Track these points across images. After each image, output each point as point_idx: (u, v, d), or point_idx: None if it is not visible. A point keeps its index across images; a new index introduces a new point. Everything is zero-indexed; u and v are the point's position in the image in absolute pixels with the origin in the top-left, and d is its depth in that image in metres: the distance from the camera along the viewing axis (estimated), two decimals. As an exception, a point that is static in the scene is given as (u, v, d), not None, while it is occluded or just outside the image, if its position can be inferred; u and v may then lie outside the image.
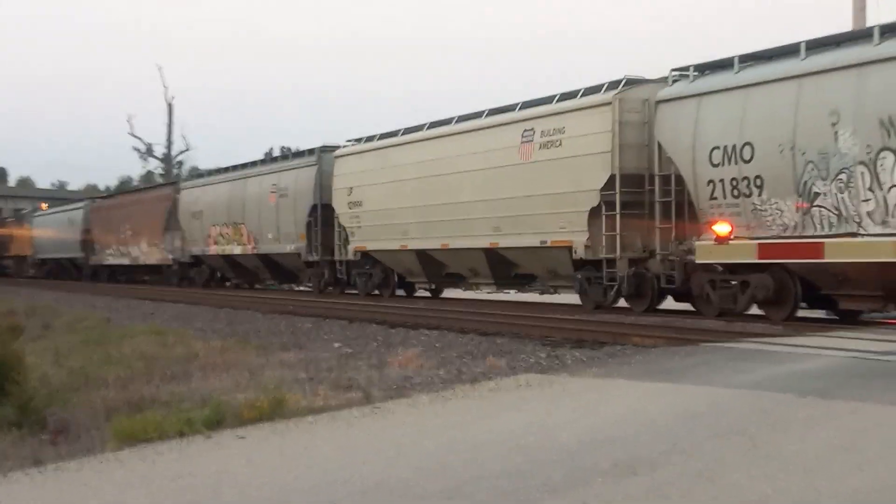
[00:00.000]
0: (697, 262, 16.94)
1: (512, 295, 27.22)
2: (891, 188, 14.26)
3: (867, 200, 14.61)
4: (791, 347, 11.04)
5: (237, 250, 34.24)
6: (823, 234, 15.07)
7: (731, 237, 16.43)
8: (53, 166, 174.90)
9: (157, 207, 41.43)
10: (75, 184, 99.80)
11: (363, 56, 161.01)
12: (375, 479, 5.16)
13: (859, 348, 10.82)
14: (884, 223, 14.37)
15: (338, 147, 29.19)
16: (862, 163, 14.62)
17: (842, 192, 14.93)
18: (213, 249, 35.91)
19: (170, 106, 73.96)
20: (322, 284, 29.73)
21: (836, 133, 14.94)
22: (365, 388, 9.13)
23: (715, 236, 16.61)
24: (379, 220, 25.93)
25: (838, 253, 14.75)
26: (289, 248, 30.53)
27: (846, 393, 7.52)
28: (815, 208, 15.34)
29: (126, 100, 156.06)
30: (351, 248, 27.38)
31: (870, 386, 7.95)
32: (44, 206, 60.47)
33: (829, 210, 15.19)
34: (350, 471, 5.36)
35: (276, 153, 33.04)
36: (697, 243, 16.88)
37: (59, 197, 73.42)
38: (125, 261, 45.15)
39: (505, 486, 4.93)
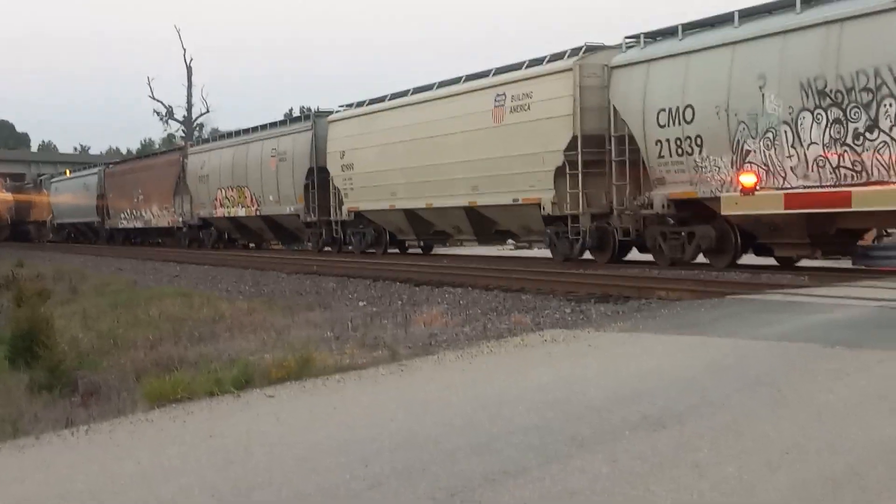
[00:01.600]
0: (723, 213, 17.05)
1: (494, 250, 30.47)
2: (810, 145, 15.74)
3: (790, 157, 16.11)
4: (817, 298, 10.99)
5: (242, 212, 36.07)
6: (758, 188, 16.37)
7: (758, 188, 16.39)
8: (76, 130, 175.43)
9: (167, 172, 43.16)
10: (97, 148, 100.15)
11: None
12: (404, 435, 5.19)
13: (886, 297, 10.76)
14: (805, 177, 15.86)
15: (332, 112, 30.85)
16: (785, 122, 16.09)
17: (769, 149, 16.42)
18: (220, 212, 37.77)
19: (189, 68, 74.13)
20: (320, 244, 31.59)
21: (763, 95, 16.39)
22: (391, 347, 9.18)
23: (741, 187, 16.57)
24: (369, 181, 27.65)
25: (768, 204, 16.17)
26: (289, 209, 32.37)
27: (874, 342, 7.48)
28: (747, 164, 16.80)
29: (147, 62, 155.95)
30: (345, 208, 29.28)
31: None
32: (68, 171, 60.97)
33: (758, 165, 16.66)
34: (378, 428, 5.39)
35: (297, 113, 34.13)
36: (723, 195, 16.93)
37: (80, 161, 73.72)
38: (138, 224, 47.12)
39: (533, 440, 4.94)
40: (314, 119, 31.32)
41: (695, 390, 5.97)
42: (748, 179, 16.51)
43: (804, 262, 18.90)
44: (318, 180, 30.46)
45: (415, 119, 25.63)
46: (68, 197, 56.58)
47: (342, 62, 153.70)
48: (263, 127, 35.42)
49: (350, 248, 30.31)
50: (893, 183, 14.46)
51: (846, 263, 18.65)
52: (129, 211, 47.76)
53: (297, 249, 36.18)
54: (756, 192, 16.43)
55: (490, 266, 21.58)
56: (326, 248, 31.58)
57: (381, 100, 28.08)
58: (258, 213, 34.62)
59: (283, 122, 34.71)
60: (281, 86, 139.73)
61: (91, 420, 6.33)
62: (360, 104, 29.20)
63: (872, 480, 4.09)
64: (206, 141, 45.64)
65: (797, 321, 8.98)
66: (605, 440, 4.90)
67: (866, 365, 6.60)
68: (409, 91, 26.80)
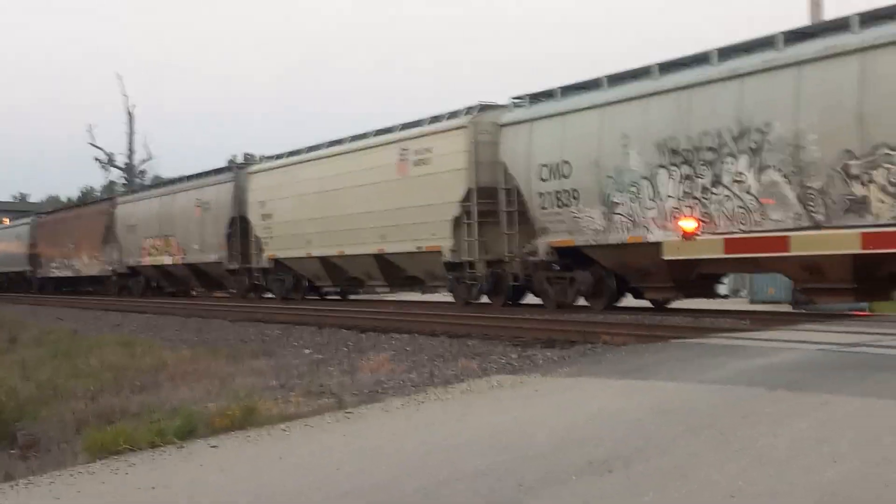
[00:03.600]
0: (665, 258, 17.40)
1: (406, 295, 32.23)
2: (667, 198, 17.41)
3: (650, 209, 17.79)
4: (760, 342, 11.13)
5: (168, 261, 37.13)
6: (625, 237, 18.30)
7: (699, 233, 16.70)
8: (14, 179, 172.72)
9: (96, 221, 44.25)
10: (37, 196, 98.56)
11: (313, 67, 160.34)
12: (351, 483, 5.15)
13: (827, 340, 10.92)
14: (663, 228, 17.48)
15: (254, 163, 32.83)
16: (645, 177, 17.80)
17: (633, 202, 18.10)
18: (147, 260, 38.93)
19: (130, 115, 73.58)
20: (243, 290, 32.77)
21: (627, 153, 18.13)
22: (337, 394, 9.13)
23: (682, 232, 16.90)
24: (287, 230, 29.14)
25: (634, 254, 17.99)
26: (212, 257, 33.69)
27: (816, 385, 7.58)
28: (615, 215, 18.52)
29: (87, 111, 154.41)
30: (265, 256, 30.70)
31: (839, 378, 8.02)
32: (6, 220, 60.64)
33: (624, 217, 18.32)
34: (325, 476, 5.35)
35: (241, 160, 34.56)
36: (665, 241, 17.26)
37: (19, 209, 72.89)
38: (69, 273, 47.97)
39: (481, 486, 4.94)
40: (236, 170, 32.88)
41: (640, 434, 6.01)
42: (689, 225, 16.82)
43: (744, 307, 19.17)
44: (240, 229, 31.80)
45: (327, 171, 27.17)
46: (1, 246, 56.54)
47: (282, 105, 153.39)
48: (189, 178, 36.88)
49: (271, 294, 31.59)
50: (826, 228, 14.87)
51: (786, 308, 18.97)
52: (59, 260, 48.57)
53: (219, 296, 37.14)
54: (696, 238, 16.74)
55: (435, 312, 21.65)
56: (250, 295, 32.75)
57: (297, 152, 29.77)
58: (183, 261, 35.76)
59: (206, 173, 35.78)
60: (228, 129, 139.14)
61: (30, 473, 6.20)
62: (278, 157, 30.97)
63: (815, 522, 4.14)
64: (136, 191, 47.36)
65: (740, 365, 9.08)
66: (552, 484, 4.91)
67: (808, 409, 6.69)
68: (322, 145, 28.46)
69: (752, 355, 9.77)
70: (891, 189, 14.24)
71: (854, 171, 14.64)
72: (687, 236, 16.85)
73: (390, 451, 6.03)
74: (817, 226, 15.20)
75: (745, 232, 16.22)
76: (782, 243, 15.40)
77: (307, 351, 15.16)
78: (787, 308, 18.87)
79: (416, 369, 11.67)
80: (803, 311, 18.10)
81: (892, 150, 14.14)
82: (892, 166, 14.16)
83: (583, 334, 14.56)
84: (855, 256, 14.79)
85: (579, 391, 8.17)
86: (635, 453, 5.48)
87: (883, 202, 14.36)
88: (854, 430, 5.90)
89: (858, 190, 14.64)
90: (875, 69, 14.41)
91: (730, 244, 16.23)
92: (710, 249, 16.58)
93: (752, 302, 26.09)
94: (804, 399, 7.03)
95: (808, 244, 15.17)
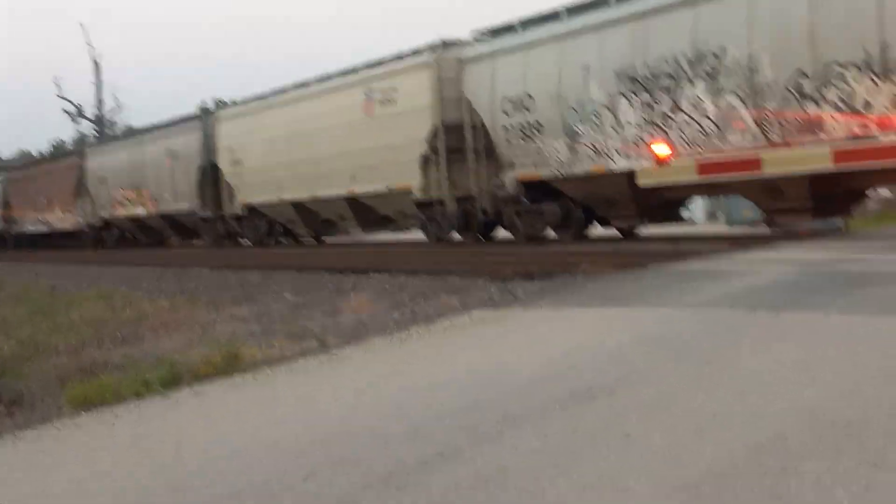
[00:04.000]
0: (639, 183, 17.51)
1: (380, 236, 32.08)
2: (627, 126, 17.72)
3: (612, 138, 18.12)
4: (738, 264, 11.19)
5: (141, 212, 37.29)
6: (589, 167, 18.66)
7: (672, 158, 16.74)
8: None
9: (67, 175, 44.15)
10: (7, 151, 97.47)
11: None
12: (336, 426, 5.17)
13: (805, 259, 11.01)
14: (626, 156, 17.84)
15: (220, 110, 33.21)
16: (606, 107, 18.11)
17: (594, 132, 18.41)
18: (120, 212, 39.02)
19: (96, 64, 72.53)
20: (217, 238, 32.99)
21: (587, 83, 18.39)
22: (320, 337, 9.12)
23: (655, 158, 16.93)
24: (258, 176, 29.29)
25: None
26: (185, 206, 33.83)
27: (795, 305, 7.65)
28: (579, 146, 18.83)
29: (54, 62, 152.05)
30: (237, 203, 30.90)
31: (819, 296, 8.09)
32: None
33: (588, 147, 18.65)
34: (311, 420, 5.36)
35: (211, 106, 34.36)
36: (638, 167, 17.30)
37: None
38: (43, 228, 47.93)
39: (464, 421, 4.96)
40: (203, 117, 32.97)
41: (623, 362, 6.05)
42: (662, 150, 16.85)
43: (724, 231, 19.27)
44: (211, 177, 31.98)
45: (295, 115, 27.30)
46: None
47: (251, 49, 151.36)
48: (157, 127, 36.82)
49: (245, 240, 31.84)
50: (797, 144, 14.93)
51: (764, 230, 19.06)
52: (33, 216, 48.60)
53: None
54: (670, 163, 16.78)
55: (415, 250, 21.67)
56: (225, 242, 32.95)
57: (263, 97, 29.79)
58: (157, 212, 35.91)
59: (174, 122, 35.72)
60: (202, 74, 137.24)
61: (17, 428, 6.19)
62: (245, 102, 31.14)
63: (796, 443, 4.18)
64: (105, 143, 47.01)
65: (719, 287, 9.14)
66: (535, 417, 4.94)
67: (789, 329, 6.75)
68: (289, 88, 28.42)
69: (732, 278, 9.84)
70: (842, 107, 14.53)
71: (807, 90, 14.93)
72: (660, 161, 16.86)
73: (375, 391, 6.05)
74: (775, 146, 15.45)
75: (667, 161, 16.67)
76: (755, 164, 15.47)
77: (288, 295, 15.13)
78: (765, 230, 18.95)
79: (398, 308, 11.66)
80: (781, 232, 18.17)
81: (843, 67, 14.40)
82: (843, 84, 14.44)
83: (563, 265, 14.58)
84: (812, 176, 15.12)
85: (560, 322, 8.20)
86: (618, 382, 5.52)
87: (835, 120, 14.66)
88: (833, 347, 5.95)
89: (812, 109, 14.92)
90: None
91: (703, 167, 16.30)
92: (684, 173, 16.65)
93: (730, 224, 26.22)
94: (784, 319, 7.08)
95: (780, 163, 15.24)
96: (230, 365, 7.30)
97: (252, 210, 30.34)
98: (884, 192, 26.85)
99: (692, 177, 16.51)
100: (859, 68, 14.22)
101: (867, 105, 14.29)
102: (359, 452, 4.60)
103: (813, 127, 14.94)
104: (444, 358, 7.12)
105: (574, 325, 7.94)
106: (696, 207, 32.50)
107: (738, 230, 19.46)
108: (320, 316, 11.43)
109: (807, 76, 14.86)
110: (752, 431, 4.41)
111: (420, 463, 4.35)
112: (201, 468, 4.61)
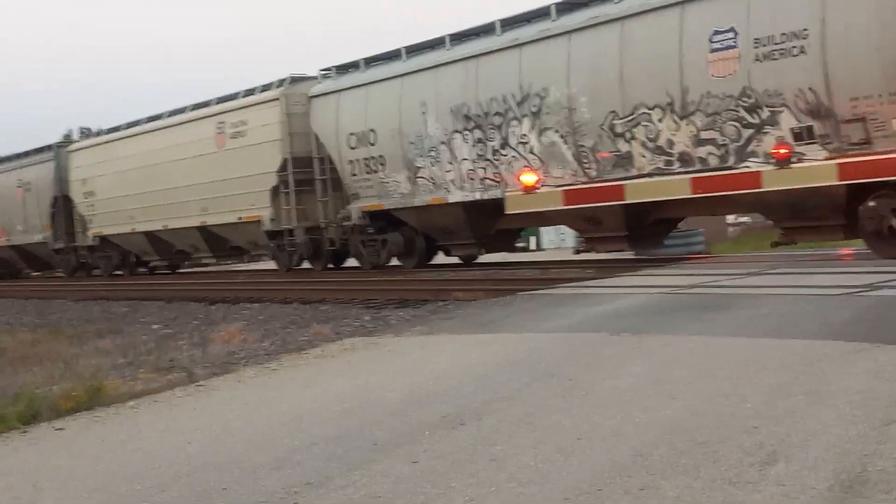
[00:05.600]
0: (507, 212, 17.87)
1: (234, 265, 33.33)
2: (462, 161, 18.57)
3: (449, 171, 18.96)
4: (603, 289, 11.47)
5: None
6: (428, 199, 19.50)
7: (539, 186, 17.08)
8: None
9: None
10: None
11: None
12: (203, 458, 5.09)
13: (667, 284, 11.35)
14: (461, 188, 18.78)
15: (73, 142, 32.75)
16: (443, 142, 18.90)
17: (433, 166, 19.23)
18: None
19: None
20: (70, 269, 32.54)
21: (425, 120, 19.21)
22: (188, 368, 8.93)
23: (523, 186, 17.24)
24: (110, 207, 29.30)
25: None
26: (37, 237, 33.28)
27: (656, 327, 7.88)
28: (419, 179, 19.63)
29: None
30: (90, 233, 30.82)
31: (678, 319, 8.36)
32: None
33: (427, 180, 19.47)
34: (176, 452, 5.26)
35: (77, 135, 33.54)
36: (507, 195, 17.63)
37: None
38: None
39: (334, 450, 4.95)
40: (56, 149, 32.50)
41: (490, 386, 6.13)
42: (529, 179, 17.19)
43: (591, 256, 19.71)
44: (64, 208, 31.63)
45: (148, 146, 27.37)
46: None
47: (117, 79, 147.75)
48: (9, 158, 36.10)
49: (98, 272, 31.58)
50: (659, 175, 15.47)
51: (629, 254, 19.58)
52: None
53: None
54: (537, 191, 17.14)
55: (287, 279, 21.53)
56: (77, 273, 32.52)
57: (117, 129, 29.99)
58: (9, 244, 35.22)
59: (26, 153, 35.13)
60: (60, 103, 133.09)
61: None
62: (97, 134, 31.27)
63: (656, 461, 4.31)
64: None
65: (585, 312, 9.35)
66: (405, 442, 4.96)
67: (649, 350, 6.95)
68: (142, 120, 28.68)
69: (596, 302, 10.07)
70: (650, 144, 15.54)
71: (619, 129, 15.92)
72: (528, 190, 17.20)
73: (243, 421, 5.98)
74: (591, 181, 16.49)
75: (534, 189, 17.35)
76: (618, 191, 15.95)
77: (156, 326, 14.82)
78: (630, 255, 19.49)
79: (269, 337, 11.55)
80: (645, 258, 18.72)
81: (649, 109, 15.43)
82: (650, 124, 15.45)
83: (435, 292, 14.69)
84: (626, 207, 16.11)
85: (431, 349, 8.25)
86: (485, 405, 5.59)
87: (644, 156, 15.71)
88: (691, 368, 6.16)
89: (623, 146, 15.92)
90: (632, 35, 15.68)
91: (569, 195, 16.70)
92: (550, 201, 17.03)
93: (576, 252, 26.78)
94: (646, 341, 7.29)
95: (642, 192, 15.74)
96: (93, 399, 7.09)
97: (105, 241, 30.40)
98: (744, 218, 27.98)
99: (558, 205, 16.88)
100: (663, 110, 15.25)
101: (670, 143, 15.29)
102: (225, 484, 4.54)
103: (625, 162, 15.93)
104: (314, 386, 7.08)
105: (444, 350, 8.01)
106: (543, 235, 33.81)
107: (603, 256, 19.89)
108: (189, 347, 11.21)
109: (619, 116, 15.86)
110: (614, 450, 4.52)
111: (288, 493, 4.32)
112: (61, 505, 4.47)
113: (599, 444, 4.64)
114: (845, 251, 15.91)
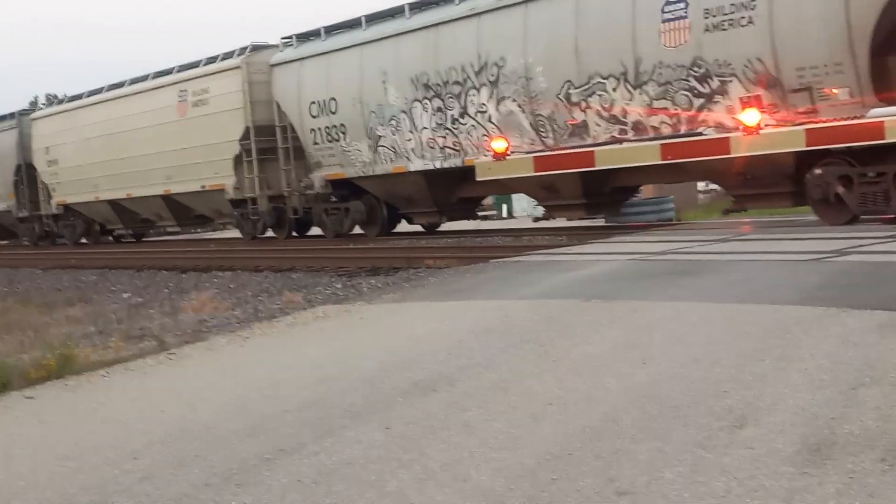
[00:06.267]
0: (478, 179, 17.87)
1: (205, 234, 33.15)
2: (422, 130, 18.72)
3: (409, 140, 19.10)
4: (575, 256, 11.51)
5: None
6: (389, 167, 19.67)
7: (510, 153, 17.07)
8: None
9: None
10: None
11: None
12: (175, 425, 5.08)
13: (638, 251, 11.40)
14: (422, 157, 18.90)
15: (36, 109, 32.89)
16: (403, 111, 19.07)
17: (394, 135, 19.39)
18: None
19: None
20: (35, 238, 32.63)
21: (386, 89, 19.34)
22: (159, 336, 8.91)
23: (493, 153, 17.20)
24: (74, 175, 29.24)
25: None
26: (1, 206, 33.28)
27: (628, 294, 7.92)
28: (380, 147, 19.78)
29: None
30: (53, 202, 30.83)
31: (649, 285, 8.40)
32: None
33: (388, 148, 19.61)
34: (148, 420, 5.25)
35: (43, 103, 33.32)
36: (477, 161, 17.62)
37: None
38: None
39: (307, 416, 4.96)
40: (19, 117, 32.33)
41: (463, 353, 6.14)
42: (499, 145, 17.14)
43: (562, 224, 19.76)
44: (28, 176, 31.56)
45: (110, 114, 27.20)
46: None
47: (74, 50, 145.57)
48: None
49: (63, 240, 31.50)
50: (632, 141, 15.50)
51: (600, 221, 19.66)
52: None
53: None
54: (507, 158, 17.13)
55: (257, 248, 21.46)
56: (41, 242, 32.58)
57: (79, 97, 29.68)
58: None
59: None
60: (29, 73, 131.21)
61: None
62: (60, 101, 31.54)
63: (627, 425, 4.34)
64: None
65: (557, 279, 9.38)
66: (378, 409, 4.97)
67: (620, 316, 6.98)
68: (104, 88, 28.41)
69: (568, 269, 10.10)
70: (604, 114, 15.74)
71: (574, 98, 16.07)
72: (497, 156, 17.16)
73: (215, 389, 5.97)
74: (549, 149, 16.64)
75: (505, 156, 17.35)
76: (588, 158, 15.97)
77: (126, 295, 14.73)
78: (601, 222, 19.57)
79: (241, 306, 11.52)
80: (616, 225, 18.79)
81: (604, 78, 15.59)
82: (604, 93, 15.62)
83: (407, 260, 14.68)
84: (583, 174, 16.24)
85: (403, 316, 8.26)
86: (458, 372, 5.61)
87: (599, 125, 15.92)
88: (662, 333, 6.20)
89: (579, 115, 16.10)
90: (587, 5, 15.80)
91: (539, 162, 16.68)
92: (522, 167, 17.01)
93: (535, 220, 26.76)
94: (617, 307, 7.33)
95: (611, 158, 15.77)
96: (64, 368, 7.05)
97: (68, 209, 30.32)
98: (713, 185, 28.10)
99: (529, 171, 16.88)
100: (617, 79, 15.40)
101: (624, 112, 15.46)
102: (198, 451, 4.54)
103: (580, 131, 16.11)
104: (286, 354, 7.08)
105: (417, 318, 8.02)
106: (515, 203, 33.90)
107: (574, 224, 19.93)
108: (160, 315, 11.16)
109: (574, 85, 16.00)
110: (586, 415, 4.56)
111: (261, 459, 4.33)
112: (32, 472, 4.46)
113: (571, 410, 4.67)
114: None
